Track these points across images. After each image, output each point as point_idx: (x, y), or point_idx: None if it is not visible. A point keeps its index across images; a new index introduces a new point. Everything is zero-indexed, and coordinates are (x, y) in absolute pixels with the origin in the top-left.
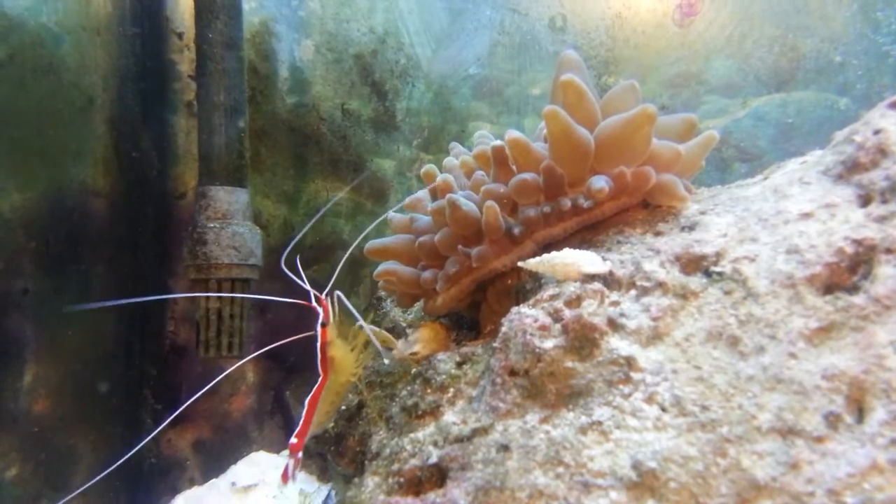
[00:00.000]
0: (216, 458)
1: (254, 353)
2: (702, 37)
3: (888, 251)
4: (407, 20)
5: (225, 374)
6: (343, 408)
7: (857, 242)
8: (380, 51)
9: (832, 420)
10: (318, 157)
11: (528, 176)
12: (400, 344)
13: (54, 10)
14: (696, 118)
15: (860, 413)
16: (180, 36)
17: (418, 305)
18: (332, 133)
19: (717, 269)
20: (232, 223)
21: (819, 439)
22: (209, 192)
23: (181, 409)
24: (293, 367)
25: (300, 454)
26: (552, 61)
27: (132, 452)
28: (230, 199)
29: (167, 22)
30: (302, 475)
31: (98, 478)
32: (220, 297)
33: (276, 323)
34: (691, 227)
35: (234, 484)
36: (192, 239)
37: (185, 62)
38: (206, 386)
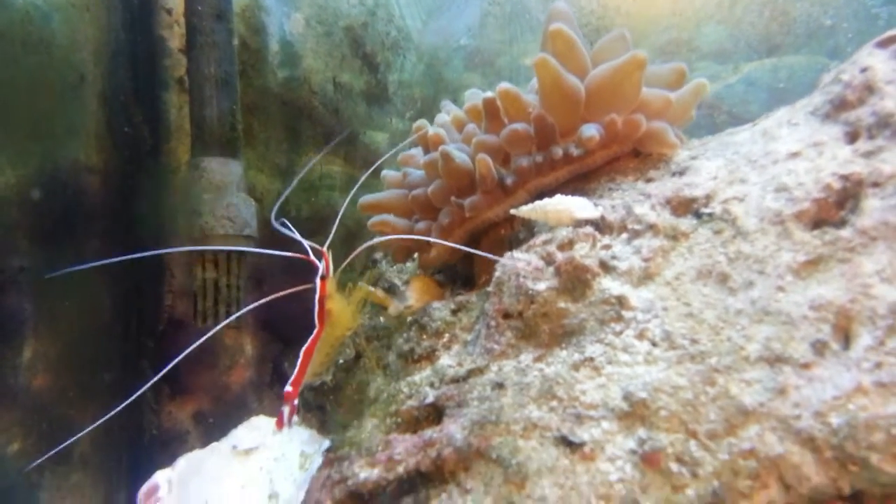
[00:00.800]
0: (216, 429)
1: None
2: (692, 3)
3: (875, 185)
4: None
5: (211, 332)
6: (341, 360)
7: (845, 178)
8: (370, 23)
9: (819, 347)
10: (310, 130)
11: (519, 126)
12: (394, 301)
13: None
14: (686, 67)
15: (846, 340)
16: (169, 12)
17: (412, 266)
18: (324, 106)
19: (707, 210)
20: (226, 194)
21: (806, 366)
22: (202, 163)
23: (164, 370)
24: (291, 340)
25: (296, 401)
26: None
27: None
28: (224, 171)
29: None
30: (304, 435)
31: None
32: (216, 266)
33: (272, 293)
34: (682, 173)
35: (235, 447)
36: (187, 211)
37: (174, 38)
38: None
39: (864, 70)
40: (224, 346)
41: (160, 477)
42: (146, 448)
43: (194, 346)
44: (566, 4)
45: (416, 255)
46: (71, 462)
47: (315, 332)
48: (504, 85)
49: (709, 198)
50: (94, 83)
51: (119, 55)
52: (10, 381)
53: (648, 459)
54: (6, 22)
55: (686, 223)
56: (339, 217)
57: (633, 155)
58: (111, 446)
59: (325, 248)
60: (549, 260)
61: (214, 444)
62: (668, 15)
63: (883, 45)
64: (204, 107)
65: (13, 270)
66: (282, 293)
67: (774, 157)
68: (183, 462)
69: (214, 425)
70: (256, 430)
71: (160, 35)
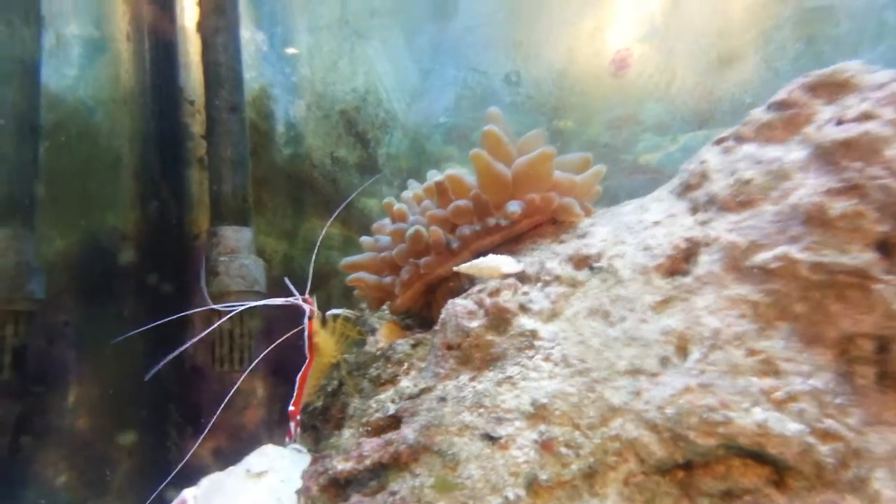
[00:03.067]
0: (233, 463)
1: (253, 362)
2: (634, 85)
3: (706, 245)
4: (384, 80)
5: (240, 380)
6: (329, 389)
7: (689, 240)
8: (362, 107)
9: (664, 361)
10: (312, 198)
11: (462, 202)
12: (369, 340)
13: (89, 86)
14: (590, 156)
15: (684, 355)
16: (192, 103)
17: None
18: (323, 178)
19: (598, 264)
20: (239, 257)
21: (655, 374)
22: (219, 231)
23: (209, 425)
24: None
25: (298, 417)
26: (509, 109)
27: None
28: (237, 237)
29: (181, 92)
30: (306, 460)
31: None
32: (230, 319)
33: (284, 343)
34: (583, 236)
35: (248, 470)
36: (206, 271)
37: (196, 124)
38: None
39: (702, 162)
40: (239, 390)
41: (187, 493)
42: (172, 480)
43: (228, 395)
44: (498, 110)
45: (387, 303)
46: (109, 493)
47: (307, 362)
48: (450, 171)
49: (599, 255)
50: (129, 164)
51: (150, 139)
52: (57, 422)
53: (545, 445)
54: (61, 116)
55: (582, 274)
56: (311, 266)
57: (552, 222)
58: (143, 479)
59: (308, 295)
60: (480, 304)
61: (231, 468)
62: (615, 95)
63: (717, 142)
64: (220, 183)
65: (60, 325)
66: (282, 339)
67: (644, 225)
68: (206, 482)
69: (231, 461)
70: (266, 456)
71: (185, 122)
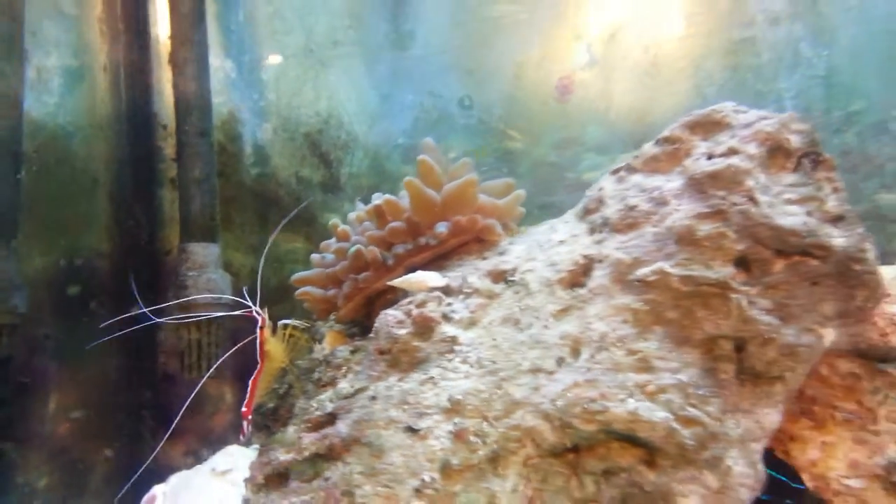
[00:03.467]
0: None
1: (211, 369)
2: (577, 109)
3: (599, 261)
4: (346, 104)
5: (199, 385)
6: (280, 391)
7: (586, 257)
8: (325, 129)
9: (560, 361)
10: (277, 216)
11: (396, 224)
12: (316, 347)
13: (68, 114)
14: (513, 182)
15: (576, 356)
16: (165, 127)
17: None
18: (288, 196)
19: (512, 278)
20: (207, 271)
21: (551, 373)
22: (188, 247)
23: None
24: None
25: (250, 417)
26: (463, 132)
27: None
28: (205, 253)
29: (154, 117)
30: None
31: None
32: (198, 329)
33: (246, 350)
34: (502, 253)
35: (213, 469)
36: (176, 285)
37: (168, 147)
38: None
39: (600, 189)
40: (208, 396)
41: (157, 489)
42: (145, 479)
43: (189, 399)
44: (431, 140)
45: (334, 314)
46: (87, 494)
47: (258, 367)
48: (386, 196)
49: (514, 270)
50: (105, 185)
51: (124, 162)
52: (38, 428)
53: (458, 435)
54: (42, 141)
55: (499, 287)
56: (259, 280)
57: (477, 241)
58: (119, 480)
59: (258, 308)
60: (408, 314)
61: (197, 467)
62: (560, 118)
63: (613, 172)
64: (190, 203)
65: (41, 337)
66: (236, 347)
67: (552, 243)
68: (174, 479)
69: (202, 461)
70: (230, 455)
71: (158, 145)
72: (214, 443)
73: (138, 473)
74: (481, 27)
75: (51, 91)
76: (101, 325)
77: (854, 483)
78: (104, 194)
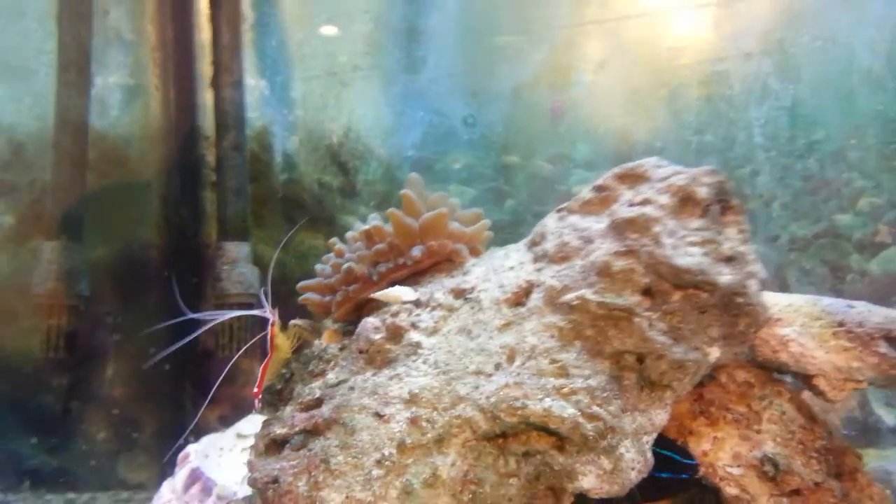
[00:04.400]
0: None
1: (242, 350)
2: (569, 129)
3: (537, 286)
4: (363, 120)
5: (229, 365)
6: (287, 377)
7: (528, 282)
8: (345, 142)
9: (497, 366)
10: (302, 216)
11: (381, 246)
12: (316, 342)
13: (126, 125)
14: (481, 212)
15: (511, 362)
16: (207, 139)
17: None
18: (311, 199)
19: (470, 295)
20: (238, 266)
21: (490, 375)
22: (223, 245)
23: (209, 397)
24: None
25: (260, 396)
26: (467, 146)
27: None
28: (237, 250)
29: (199, 130)
30: None
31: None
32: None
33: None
34: (465, 273)
35: (238, 433)
36: (213, 277)
37: (210, 155)
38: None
39: (544, 225)
40: (241, 370)
41: (191, 448)
42: (186, 439)
43: (223, 374)
44: (416, 175)
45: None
46: (138, 447)
47: (268, 356)
48: (374, 222)
49: (472, 289)
50: (157, 188)
51: (173, 168)
52: (98, 391)
53: (413, 421)
54: (104, 149)
55: (458, 303)
56: (269, 283)
57: (448, 261)
58: (164, 438)
59: (271, 307)
60: (384, 322)
61: (225, 431)
62: (553, 136)
63: (557, 211)
64: (226, 208)
65: (102, 315)
66: (254, 339)
67: (504, 268)
68: (205, 440)
69: (230, 425)
70: (252, 423)
71: (201, 154)
72: (244, 409)
73: (185, 436)
74: (485, 54)
75: (111, 106)
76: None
77: (735, 471)
78: (155, 195)
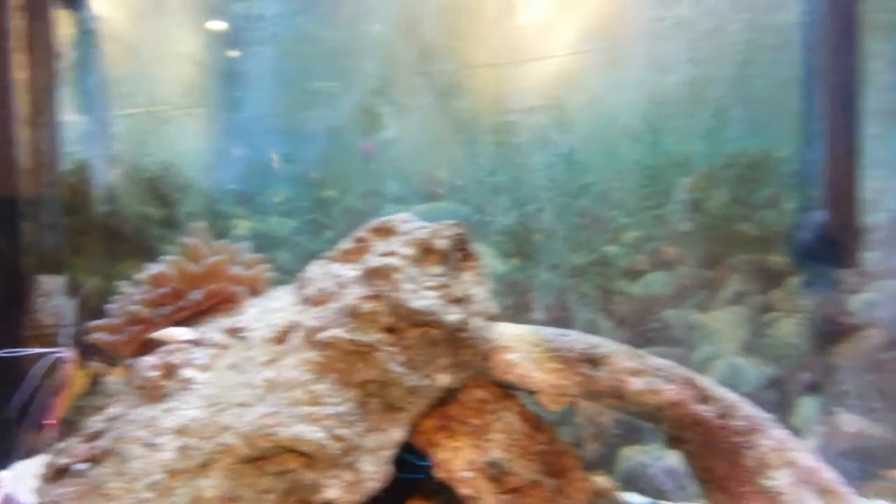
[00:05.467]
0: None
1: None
2: (379, 167)
3: (299, 326)
4: (184, 155)
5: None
6: (78, 410)
7: (291, 322)
8: (166, 175)
9: (259, 398)
10: (123, 246)
11: (165, 289)
12: (108, 379)
13: None
14: (262, 257)
15: (272, 394)
16: (25, 173)
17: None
18: (132, 230)
19: (243, 334)
20: (52, 298)
21: (252, 406)
22: (38, 279)
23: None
24: None
25: (57, 427)
26: (287, 181)
27: None
28: (52, 283)
29: (16, 163)
30: None
31: None
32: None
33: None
34: (242, 313)
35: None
36: (29, 310)
37: (27, 189)
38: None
39: (309, 271)
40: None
41: (2, 474)
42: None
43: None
44: (201, 223)
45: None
46: None
47: (63, 391)
48: (154, 270)
49: (245, 328)
50: None
51: None
52: None
53: (182, 450)
54: None
55: (232, 340)
56: (73, 318)
57: (230, 301)
58: None
59: (68, 350)
60: (161, 360)
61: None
62: (365, 174)
63: (321, 258)
64: (41, 242)
65: None
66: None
67: (275, 309)
68: (18, 466)
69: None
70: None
71: (19, 188)
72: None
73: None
74: (301, 97)
75: None
76: None
77: (467, 474)
78: None
